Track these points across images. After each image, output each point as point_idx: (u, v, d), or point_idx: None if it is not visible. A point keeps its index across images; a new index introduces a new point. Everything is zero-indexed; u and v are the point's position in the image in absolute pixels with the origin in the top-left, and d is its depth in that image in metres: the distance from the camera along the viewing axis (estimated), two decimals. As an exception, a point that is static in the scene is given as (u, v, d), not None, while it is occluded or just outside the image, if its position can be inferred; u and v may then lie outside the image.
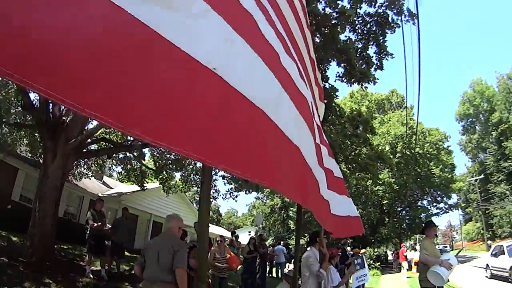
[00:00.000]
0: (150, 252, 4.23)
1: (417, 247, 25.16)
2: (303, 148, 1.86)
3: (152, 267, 4.12)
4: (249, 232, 48.18)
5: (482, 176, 45.62)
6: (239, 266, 10.42)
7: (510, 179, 44.11)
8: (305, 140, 1.99)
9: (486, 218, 45.11)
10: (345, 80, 10.70)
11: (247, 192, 16.55)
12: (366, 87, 11.03)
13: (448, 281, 6.11)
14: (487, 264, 17.61)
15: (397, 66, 29.17)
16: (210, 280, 8.37)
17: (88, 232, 8.83)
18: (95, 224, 8.69)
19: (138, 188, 18.95)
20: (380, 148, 24.67)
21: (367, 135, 13.13)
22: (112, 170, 20.66)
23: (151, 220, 20.51)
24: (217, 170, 16.67)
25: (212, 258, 8.38)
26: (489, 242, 40.67)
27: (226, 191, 17.13)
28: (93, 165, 17.47)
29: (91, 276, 8.32)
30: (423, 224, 7.45)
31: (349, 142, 11.99)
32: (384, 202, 30.58)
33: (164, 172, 16.78)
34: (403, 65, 35.09)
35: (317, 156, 2.50)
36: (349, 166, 13.09)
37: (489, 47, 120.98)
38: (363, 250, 16.62)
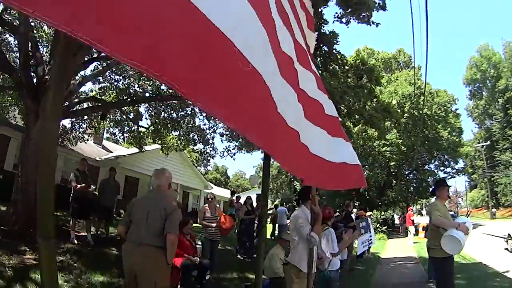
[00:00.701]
0: (137, 212, 3.80)
1: (424, 211, 24.50)
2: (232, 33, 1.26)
3: (139, 229, 3.69)
4: (257, 194, 47.74)
5: (488, 142, 44.76)
6: (233, 228, 9.87)
7: (516, 148, 43.32)
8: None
9: (491, 185, 44.68)
10: (344, 20, 9.67)
11: (248, 151, 15.87)
12: (363, 20, 9.65)
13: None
14: (509, 234, 14.51)
15: (404, 25, 27.73)
16: (201, 243, 7.88)
17: (71, 194, 8.29)
18: (78, 186, 8.14)
19: (137, 150, 18.42)
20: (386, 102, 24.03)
21: (372, 86, 12.11)
22: (112, 134, 19.89)
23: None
24: (215, 128, 16.16)
25: (202, 218, 7.78)
26: (493, 210, 40.31)
27: (223, 148, 16.37)
28: (88, 128, 16.87)
29: (76, 241, 7.80)
30: (434, 185, 6.16)
31: (353, 94, 11.08)
32: (391, 164, 29.53)
33: (162, 130, 16.05)
34: (410, 25, 33.52)
35: (278, 65, 1.72)
36: (353, 119, 12.13)
37: (497, 13, 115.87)
38: (369, 213, 16.06)
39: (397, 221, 35.49)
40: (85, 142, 18.04)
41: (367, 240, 12.42)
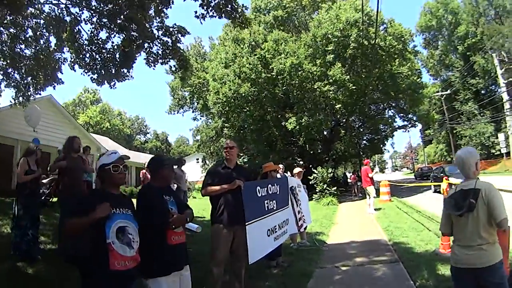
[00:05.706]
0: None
1: (377, 168, 17.66)
2: None
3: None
4: (197, 159, 43.40)
5: (449, 91, 41.62)
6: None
7: (478, 98, 41.24)
8: None
9: (449, 138, 41.96)
10: None
11: (106, 83, 9.95)
12: None
13: None
14: None
15: None
16: None
17: None
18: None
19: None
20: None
21: None
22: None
23: None
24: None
25: None
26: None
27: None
28: None
29: None
30: None
31: None
32: (337, 107, 22.05)
33: None
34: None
35: None
36: None
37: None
38: (296, 170, 8.89)
39: (350, 180, 30.13)
40: None
41: (281, 225, 5.39)
